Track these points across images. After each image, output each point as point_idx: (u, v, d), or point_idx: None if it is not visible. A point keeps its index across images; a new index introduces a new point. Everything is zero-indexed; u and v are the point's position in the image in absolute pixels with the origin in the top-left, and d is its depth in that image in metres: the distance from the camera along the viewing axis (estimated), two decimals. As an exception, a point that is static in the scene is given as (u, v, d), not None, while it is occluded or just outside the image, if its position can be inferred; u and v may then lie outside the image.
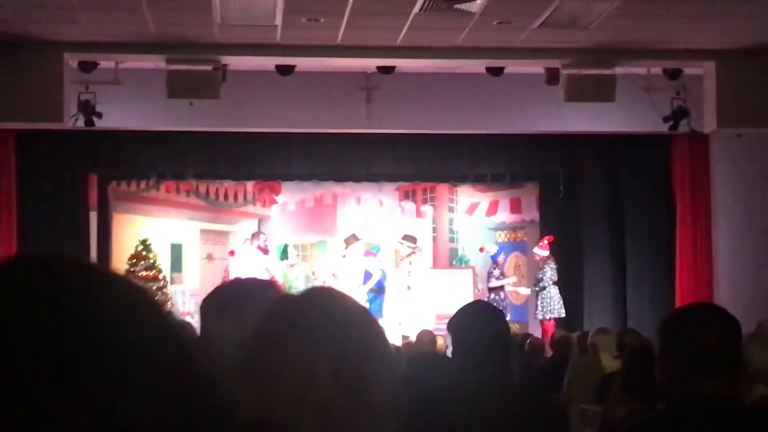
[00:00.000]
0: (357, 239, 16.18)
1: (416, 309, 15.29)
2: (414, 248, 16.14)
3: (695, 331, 2.63)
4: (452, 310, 3.69)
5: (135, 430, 0.86)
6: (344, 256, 16.11)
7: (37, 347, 0.85)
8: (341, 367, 1.36)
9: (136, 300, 0.94)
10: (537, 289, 14.56)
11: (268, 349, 1.39)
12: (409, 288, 15.81)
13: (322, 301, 1.46)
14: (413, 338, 10.59)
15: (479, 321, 3.54)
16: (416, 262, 16.20)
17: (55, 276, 0.91)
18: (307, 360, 1.36)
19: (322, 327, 1.39)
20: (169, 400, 0.90)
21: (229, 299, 2.38)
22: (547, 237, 14.68)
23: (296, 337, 1.38)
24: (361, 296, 14.35)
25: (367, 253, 16.10)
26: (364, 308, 1.50)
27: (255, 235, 15.76)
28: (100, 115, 11.73)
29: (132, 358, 0.88)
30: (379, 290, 15.56)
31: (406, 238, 16.11)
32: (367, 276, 15.71)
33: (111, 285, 0.93)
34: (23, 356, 0.85)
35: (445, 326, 3.82)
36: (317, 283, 16.31)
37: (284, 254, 16.50)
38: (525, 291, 15.64)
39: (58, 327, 0.86)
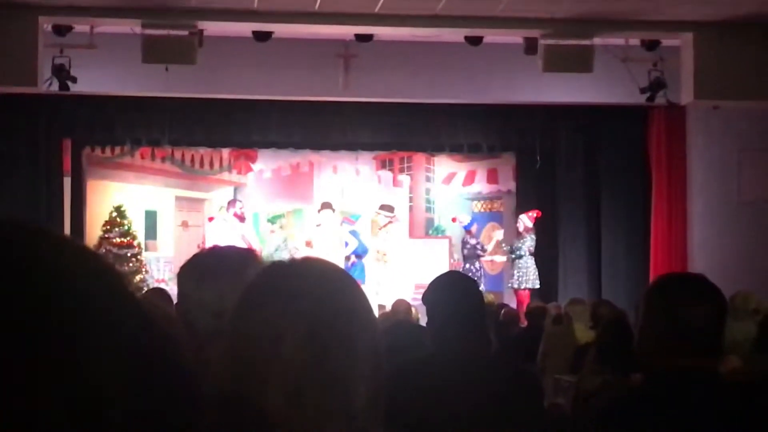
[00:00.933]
0: (331, 208, 16.16)
1: (393, 278, 15.30)
2: (391, 218, 16.14)
3: (685, 308, 2.58)
4: (429, 280, 3.70)
5: (101, 399, 0.86)
6: (319, 225, 16.08)
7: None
8: (314, 332, 1.37)
9: (96, 266, 0.94)
10: (513, 257, 14.60)
11: (243, 314, 1.40)
12: (385, 257, 15.84)
13: (302, 268, 1.46)
14: (389, 308, 10.62)
15: (453, 292, 3.55)
16: (393, 231, 16.21)
17: (10, 241, 0.91)
18: (278, 322, 1.36)
19: (296, 291, 1.40)
20: (136, 368, 0.90)
21: (208, 267, 2.38)
22: (536, 211, 14.66)
23: (270, 301, 1.39)
24: (340, 264, 14.35)
25: (345, 220, 16.08)
26: (347, 274, 1.51)
27: (231, 203, 15.71)
28: (74, 80, 11.62)
29: (95, 325, 0.88)
30: (359, 257, 15.56)
31: (384, 207, 16.10)
32: (346, 244, 15.72)
33: (68, 251, 0.93)
34: None
35: (420, 294, 3.83)
36: (291, 252, 16.30)
37: (274, 219, 16.57)
38: (501, 259, 15.68)
39: (14, 295, 0.86)
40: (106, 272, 0.94)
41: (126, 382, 0.88)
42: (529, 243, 14.44)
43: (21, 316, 0.85)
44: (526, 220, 14.61)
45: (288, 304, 1.38)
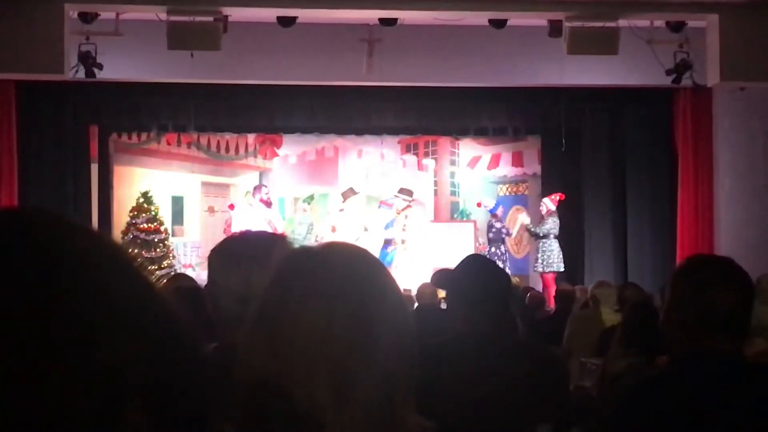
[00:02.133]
0: (355, 193, 16.16)
1: (411, 263, 15.25)
2: (410, 202, 16.07)
3: (713, 292, 2.57)
4: (452, 264, 3.70)
5: (114, 376, 0.88)
6: (342, 210, 16.09)
7: (15, 297, 0.86)
8: (358, 324, 1.36)
9: (111, 251, 0.96)
10: (533, 232, 14.52)
11: (287, 303, 1.39)
12: (403, 242, 15.78)
13: (342, 257, 1.45)
14: (410, 293, 10.63)
15: (477, 274, 3.55)
16: (412, 216, 16.14)
17: (32, 228, 0.93)
18: (326, 315, 1.35)
19: (340, 280, 1.39)
20: (147, 347, 0.91)
21: (236, 252, 2.38)
22: (559, 194, 14.60)
23: (315, 289, 1.38)
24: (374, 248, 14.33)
25: (383, 204, 16.05)
26: (374, 257, 1.50)
27: (257, 188, 15.73)
28: (100, 67, 11.67)
29: (109, 306, 0.90)
30: (388, 242, 15.59)
31: (403, 191, 16.03)
32: (387, 227, 15.78)
33: (84, 236, 0.95)
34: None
35: (435, 279, 3.82)
36: (317, 237, 16.35)
37: (309, 199, 16.65)
38: (526, 220, 15.30)
39: (33, 277, 0.88)
40: (123, 260, 0.96)
41: (144, 368, 0.90)
42: (550, 224, 14.38)
43: (41, 302, 0.86)
44: (548, 203, 14.56)
45: (334, 296, 1.38)
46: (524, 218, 15.29)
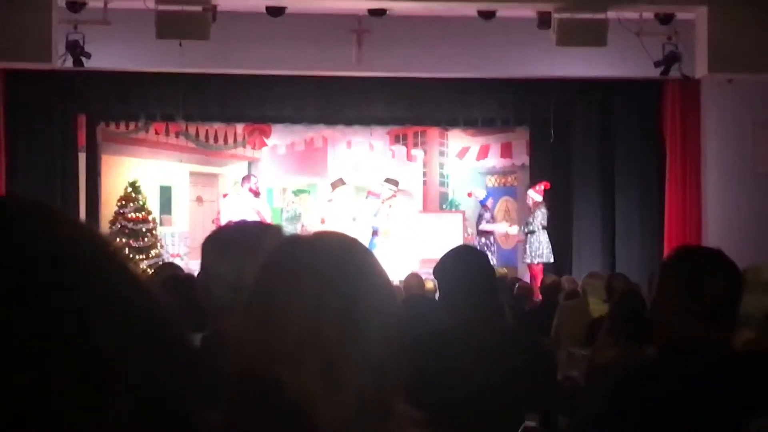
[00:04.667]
0: (344, 183, 16.14)
1: (396, 253, 15.20)
2: (395, 191, 16.01)
3: (703, 281, 2.59)
4: (439, 255, 3.71)
5: (101, 365, 0.88)
6: (330, 200, 16.07)
7: (1, 286, 0.87)
8: (347, 312, 1.36)
9: (97, 242, 0.96)
10: (526, 231, 14.58)
11: (276, 291, 1.39)
12: (386, 232, 15.73)
13: (331, 245, 1.45)
14: (396, 282, 10.64)
15: (463, 264, 3.55)
16: (397, 205, 16.07)
17: (19, 217, 0.93)
18: (317, 300, 1.36)
19: (331, 268, 1.39)
20: (133, 337, 0.92)
21: (228, 241, 2.39)
22: (543, 183, 14.62)
23: (306, 277, 1.38)
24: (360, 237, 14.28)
25: (371, 194, 16.00)
26: (371, 253, 1.50)
27: (246, 178, 15.71)
28: (88, 56, 11.63)
29: (96, 296, 0.90)
30: (375, 232, 15.57)
31: (389, 180, 15.98)
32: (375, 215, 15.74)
33: (70, 227, 0.95)
34: None
35: (431, 271, 3.83)
36: (305, 226, 16.34)
37: (299, 192, 16.68)
38: (514, 231, 15.68)
39: (21, 266, 0.88)
40: (109, 250, 0.96)
41: (130, 357, 0.90)
42: (540, 217, 14.39)
43: (29, 291, 0.87)
44: (534, 195, 14.55)
45: (324, 281, 1.38)
46: (508, 228, 15.41)
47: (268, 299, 1.39)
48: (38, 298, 0.87)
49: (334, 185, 16.06)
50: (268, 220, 14.76)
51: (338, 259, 1.42)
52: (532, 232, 14.41)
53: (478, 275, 3.51)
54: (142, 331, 0.93)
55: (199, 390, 1.02)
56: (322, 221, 15.86)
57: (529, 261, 14.45)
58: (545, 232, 14.37)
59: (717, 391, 2.54)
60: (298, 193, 16.93)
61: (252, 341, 1.38)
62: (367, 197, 16.04)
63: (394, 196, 15.88)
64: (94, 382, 0.87)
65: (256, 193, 15.33)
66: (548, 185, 14.57)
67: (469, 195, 16.13)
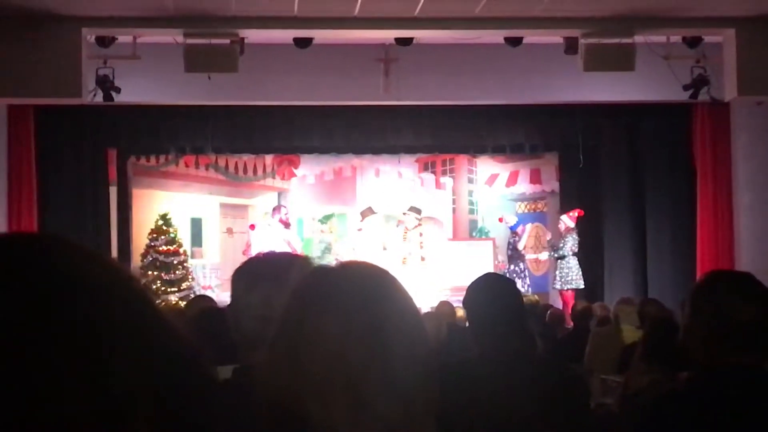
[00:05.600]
0: (373, 212, 16.14)
1: (427, 282, 15.12)
2: (420, 219, 15.97)
3: (733, 307, 2.57)
4: (469, 283, 3.69)
5: (123, 405, 0.89)
6: (360, 229, 16.06)
7: (28, 323, 0.87)
8: (374, 341, 1.36)
9: (125, 280, 0.97)
10: (555, 256, 14.52)
11: (304, 321, 1.39)
12: (423, 259, 15.69)
13: (358, 275, 1.46)
14: (428, 309, 10.61)
15: (490, 293, 3.55)
16: (427, 233, 16.02)
17: (48, 254, 0.94)
18: (343, 331, 1.35)
19: (357, 299, 1.39)
20: (157, 377, 0.92)
21: (257, 271, 2.40)
22: (577, 210, 14.59)
23: (332, 308, 1.38)
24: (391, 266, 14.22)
25: (401, 223, 15.96)
26: (399, 283, 1.50)
27: (276, 209, 15.74)
28: (118, 90, 11.73)
29: (121, 335, 0.91)
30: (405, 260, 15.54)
31: (412, 209, 15.96)
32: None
33: (98, 264, 0.96)
34: (17, 332, 0.87)
35: (461, 298, 3.82)
36: (336, 257, 16.35)
37: (325, 219, 16.72)
38: (544, 257, 15.63)
39: (47, 304, 0.88)
40: (136, 288, 0.97)
41: (153, 397, 0.91)
42: (570, 243, 14.36)
43: (55, 330, 0.87)
44: (567, 220, 14.54)
45: (350, 310, 1.38)
46: (538, 254, 15.35)
47: (295, 331, 1.39)
48: (64, 337, 0.87)
49: (363, 214, 16.07)
50: (299, 251, 14.78)
51: (364, 289, 1.42)
52: (562, 257, 14.37)
53: (506, 303, 3.50)
54: (164, 367, 0.93)
55: (224, 424, 1.02)
56: (354, 250, 15.85)
57: (558, 287, 14.42)
58: (575, 258, 14.33)
59: (751, 418, 2.51)
60: (324, 220, 16.94)
61: (279, 373, 1.38)
62: (398, 226, 16.03)
63: (420, 224, 15.86)
64: (114, 420, 0.88)
65: (287, 224, 15.39)
66: (582, 212, 14.53)
67: (500, 220, 16.10)
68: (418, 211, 15.83)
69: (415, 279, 14.73)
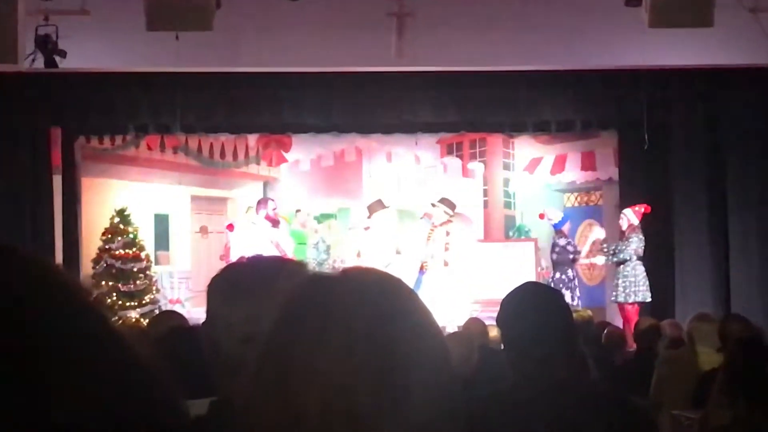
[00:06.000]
0: (384, 206, 16.08)
1: (453, 293, 15.05)
2: (452, 216, 15.81)
3: None
4: (504, 294, 3.70)
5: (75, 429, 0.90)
6: (367, 228, 16.00)
7: None
8: (384, 370, 1.36)
9: (70, 293, 0.98)
10: (615, 260, 14.47)
11: (297, 344, 1.39)
12: (446, 264, 15.59)
13: (365, 287, 1.46)
14: (455, 329, 10.62)
15: (531, 308, 3.55)
16: (454, 232, 15.90)
17: None
18: (346, 356, 1.36)
19: (364, 316, 1.39)
20: (108, 406, 0.93)
21: (239, 281, 2.41)
22: (644, 205, 14.49)
23: (332, 327, 1.38)
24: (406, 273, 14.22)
25: (426, 216, 15.88)
26: (416, 296, 1.50)
27: (262, 203, 15.70)
28: (63, 54, 11.76)
29: (64, 361, 0.92)
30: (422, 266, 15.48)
31: (445, 201, 15.77)
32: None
33: (38, 276, 0.97)
34: None
35: (495, 314, 3.83)
36: (337, 262, 16.36)
37: (322, 218, 16.75)
38: (600, 261, 15.62)
39: None
40: (84, 303, 0.98)
41: (103, 427, 0.92)
42: (635, 244, 14.31)
43: None
44: (631, 216, 14.49)
45: (343, 328, 1.38)
46: (599, 232, 15.22)
47: (286, 355, 1.40)
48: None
49: (371, 209, 16.03)
50: (290, 256, 14.79)
51: (371, 304, 1.42)
52: (623, 262, 14.33)
53: (551, 321, 3.50)
54: (122, 401, 0.94)
55: None
56: (359, 255, 15.82)
57: (621, 300, 14.35)
58: (641, 263, 14.29)
59: None
60: (321, 219, 16.96)
61: (266, 408, 1.38)
62: (422, 218, 15.92)
63: (449, 221, 15.70)
64: None
65: (275, 222, 15.37)
66: (649, 209, 14.46)
67: (541, 217, 16.07)
68: (451, 205, 15.64)
69: (437, 290, 14.68)
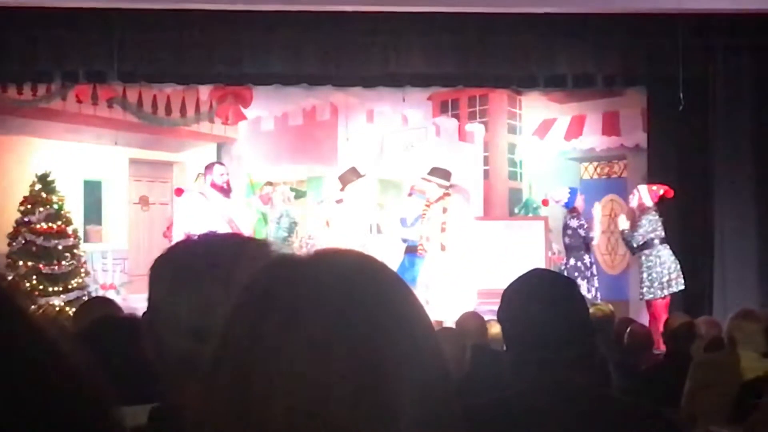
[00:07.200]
0: (360, 175, 16.03)
1: (453, 281, 15.07)
2: (448, 188, 15.73)
3: None
4: (508, 284, 3.71)
5: None
6: (340, 200, 15.96)
7: None
8: (364, 371, 1.36)
9: None
10: (634, 244, 14.41)
11: (260, 339, 1.39)
12: (444, 248, 15.59)
13: (339, 265, 1.46)
14: (449, 324, 10.64)
15: (539, 299, 3.56)
16: (452, 209, 15.85)
17: None
18: (320, 354, 1.36)
19: (341, 305, 1.40)
20: (27, 415, 0.94)
21: (192, 264, 2.41)
22: (664, 186, 14.41)
23: (303, 319, 1.38)
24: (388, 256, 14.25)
25: (415, 191, 15.87)
26: (402, 282, 1.50)
27: (209, 168, 15.57)
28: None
29: None
30: (412, 248, 15.47)
31: (436, 172, 15.71)
32: (403, 223, 15.60)
33: None
34: None
35: (496, 308, 3.84)
36: (302, 237, 16.36)
37: (301, 193, 16.73)
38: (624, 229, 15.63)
39: None
40: None
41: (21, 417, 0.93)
42: (645, 228, 14.25)
43: None
44: (644, 194, 14.37)
45: (315, 320, 1.38)
46: (623, 222, 15.17)
47: (246, 353, 1.40)
48: None
49: (344, 179, 15.93)
50: (248, 233, 14.74)
51: (349, 291, 1.42)
52: (635, 250, 14.29)
53: (563, 316, 3.52)
54: (36, 412, 0.95)
55: None
56: (327, 224, 15.70)
57: (649, 297, 14.25)
58: (666, 246, 14.24)
59: None
60: (299, 195, 16.93)
61: (221, 417, 1.39)
62: (410, 194, 15.93)
63: (446, 195, 15.62)
64: None
65: (226, 191, 15.10)
66: (670, 193, 14.38)
67: (545, 203, 16.04)
68: (446, 173, 15.56)
69: (434, 277, 14.68)
